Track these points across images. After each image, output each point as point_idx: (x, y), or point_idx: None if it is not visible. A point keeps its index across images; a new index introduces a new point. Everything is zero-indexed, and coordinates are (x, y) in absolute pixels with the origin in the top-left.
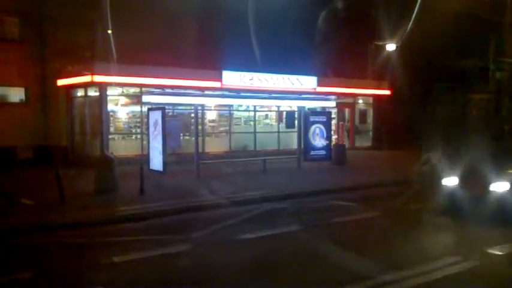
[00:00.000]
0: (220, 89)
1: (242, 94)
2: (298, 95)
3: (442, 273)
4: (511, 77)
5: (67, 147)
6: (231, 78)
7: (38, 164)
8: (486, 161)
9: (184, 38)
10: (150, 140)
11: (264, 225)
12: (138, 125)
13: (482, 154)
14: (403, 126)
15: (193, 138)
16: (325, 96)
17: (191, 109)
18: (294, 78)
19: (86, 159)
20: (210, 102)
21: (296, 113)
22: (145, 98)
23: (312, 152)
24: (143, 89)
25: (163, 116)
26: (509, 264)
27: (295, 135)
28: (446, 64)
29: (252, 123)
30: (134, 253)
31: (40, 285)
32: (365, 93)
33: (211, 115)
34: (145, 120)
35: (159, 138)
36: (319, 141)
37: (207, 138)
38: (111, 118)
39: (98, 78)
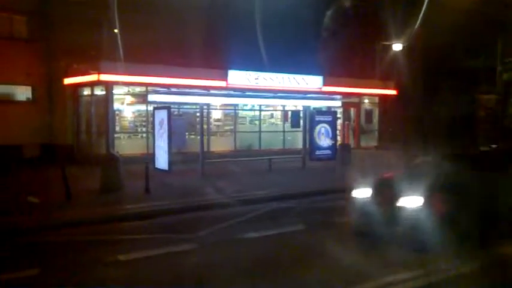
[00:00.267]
0: (226, 88)
1: (247, 93)
2: (303, 94)
3: None
4: None
5: (73, 145)
6: (237, 77)
7: (44, 162)
8: (415, 168)
9: (190, 37)
10: (156, 139)
11: (269, 224)
12: (143, 123)
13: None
14: (409, 126)
15: (198, 137)
16: (330, 95)
17: (196, 108)
18: (299, 77)
19: (92, 158)
20: (215, 101)
21: (301, 112)
22: (151, 97)
23: (317, 152)
24: (149, 88)
25: (169, 115)
26: None
27: (300, 135)
28: (453, 64)
29: (257, 122)
30: (139, 251)
31: (46, 282)
32: (371, 92)
33: (216, 114)
34: (151, 119)
35: (165, 137)
36: (324, 141)
37: (212, 138)
38: (117, 117)
39: (104, 77)
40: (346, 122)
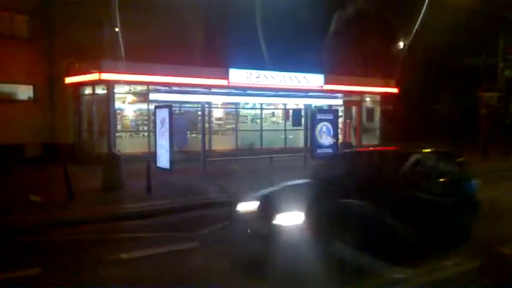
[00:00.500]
0: (227, 86)
1: (249, 92)
2: (305, 92)
3: None
4: None
5: (74, 144)
6: (238, 76)
7: (45, 161)
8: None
9: (191, 36)
10: (157, 137)
11: None
12: (145, 122)
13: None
14: (411, 125)
15: (200, 136)
16: (332, 94)
17: (198, 107)
18: (300, 76)
19: (93, 157)
20: (216, 100)
21: (303, 110)
22: (153, 96)
23: (319, 150)
24: (150, 87)
25: (170, 114)
26: None
27: (301, 133)
28: (454, 62)
29: (258, 121)
30: (141, 250)
31: (48, 281)
32: (372, 91)
33: (217, 113)
34: (152, 118)
35: (166, 135)
36: (326, 139)
37: (213, 136)
38: (119, 116)
39: (105, 76)
40: (348, 121)
